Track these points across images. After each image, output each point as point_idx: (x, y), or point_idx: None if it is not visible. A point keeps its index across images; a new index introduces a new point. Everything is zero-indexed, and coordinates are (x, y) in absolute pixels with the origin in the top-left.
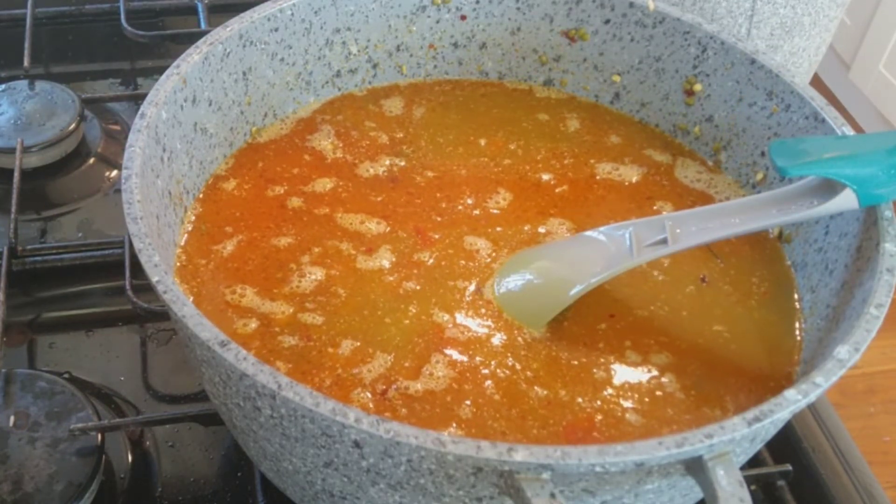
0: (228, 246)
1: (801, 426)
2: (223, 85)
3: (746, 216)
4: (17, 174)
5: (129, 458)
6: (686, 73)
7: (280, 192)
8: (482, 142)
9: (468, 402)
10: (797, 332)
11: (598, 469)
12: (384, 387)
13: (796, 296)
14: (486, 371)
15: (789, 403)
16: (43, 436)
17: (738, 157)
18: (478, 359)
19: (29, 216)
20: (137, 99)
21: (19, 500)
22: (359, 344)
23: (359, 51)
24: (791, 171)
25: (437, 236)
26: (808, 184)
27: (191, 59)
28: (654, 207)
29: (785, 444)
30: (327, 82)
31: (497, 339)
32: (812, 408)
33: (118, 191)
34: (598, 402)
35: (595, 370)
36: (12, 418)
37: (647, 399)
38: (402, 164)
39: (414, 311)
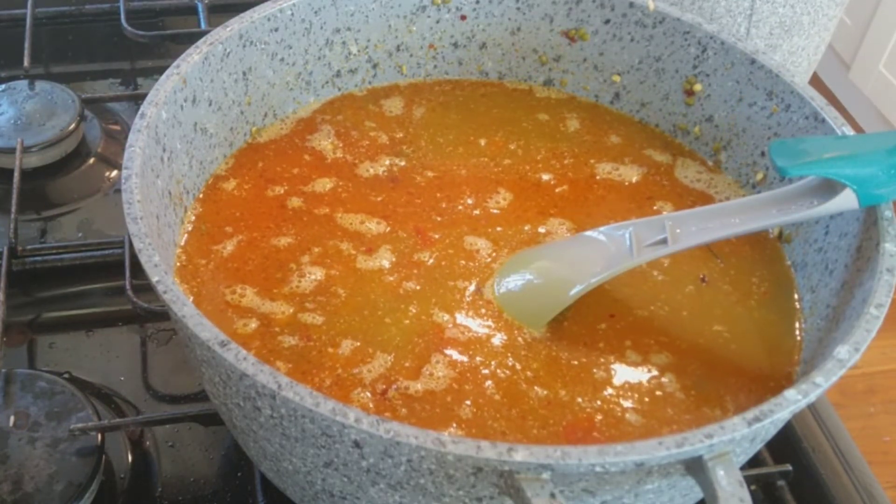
0: (228, 246)
1: (801, 426)
2: (223, 85)
3: (746, 216)
4: (17, 174)
5: (129, 458)
6: (686, 73)
7: (280, 192)
8: (482, 142)
9: (468, 403)
10: (797, 332)
11: (598, 469)
12: (384, 387)
13: (796, 296)
14: (486, 371)
15: (789, 403)
16: (43, 436)
17: (738, 157)
18: (478, 359)
19: (29, 216)
20: (137, 99)
21: (19, 500)
22: (359, 344)
23: (359, 51)
24: (791, 171)
25: (437, 236)
26: (808, 184)
27: (191, 59)
28: (654, 207)
29: (785, 444)
30: (327, 82)
31: (497, 339)
32: (812, 408)
33: (118, 191)
34: (598, 402)
35: (595, 370)
36: (12, 418)
37: (647, 399)
38: (402, 164)
39: (414, 311)
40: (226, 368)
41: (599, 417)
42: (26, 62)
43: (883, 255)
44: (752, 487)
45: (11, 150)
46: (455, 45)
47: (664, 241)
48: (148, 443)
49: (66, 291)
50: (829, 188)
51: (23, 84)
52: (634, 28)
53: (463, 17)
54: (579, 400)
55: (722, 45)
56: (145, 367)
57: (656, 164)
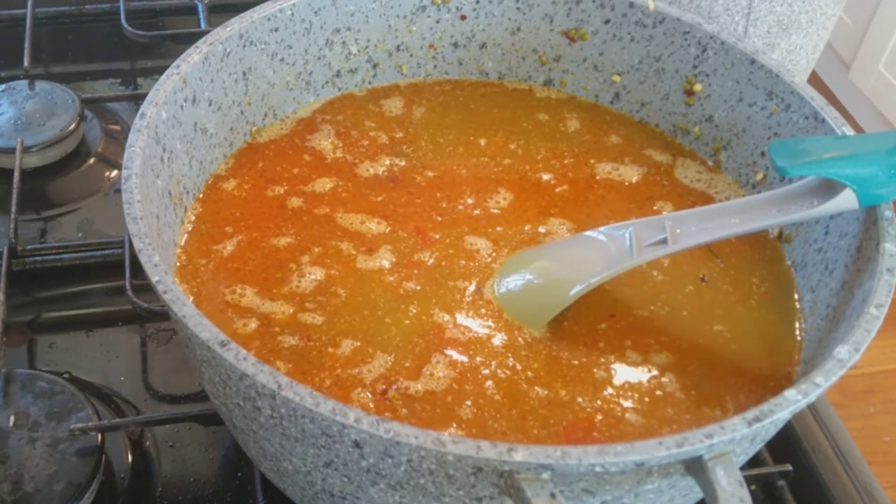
0: (228, 246)
1: (801, 426)
2: (223, 85)
3: (746, 216)
4: (17, 174)
5: (129, 458)
6: (686, 73)
7: (280, 192)
8: (482, 142)
9: (468, 403)
10: (797, 332)
11: (598, 469)
12: (384, 387)
13: (796, 296)
14: (486, 371)
15: (789, 403)
16: (43, 436)
17: (738, 157)
18: (478, 359)
19: (29, 216)
20: (137, 99)
21: (19, 500)
22: (359, 344)
23: (359, 51)
24: (791, 171)
25: (437, 236)
26: (808, 184)
27: (191, 59)
28: (654, 207)
29: (785, 444)
30: (327, 82)
31: (497, 340)
32: (812, 408)
33: (118, 191)
34: (599, 402)
35: (595, 370)
36: (12, 418)
37: (647, 399)
38: (403, 163)
39: (414, 311)
40: (226, 368)
41: (599, 417)
42: (26, 62)
43: (883, 255)
44: (752, 487)
45: (11, 150)
46: (455, 45)
47: (664, 241)
48: (148, 443)
49: (66, 291)
50: (829, 188)
51: (23, 84)
52: (634, 28)
53: (463, 17)
54: (579, 400)
55: (722, 45)
56: (145, 367)
57: (656, 164)
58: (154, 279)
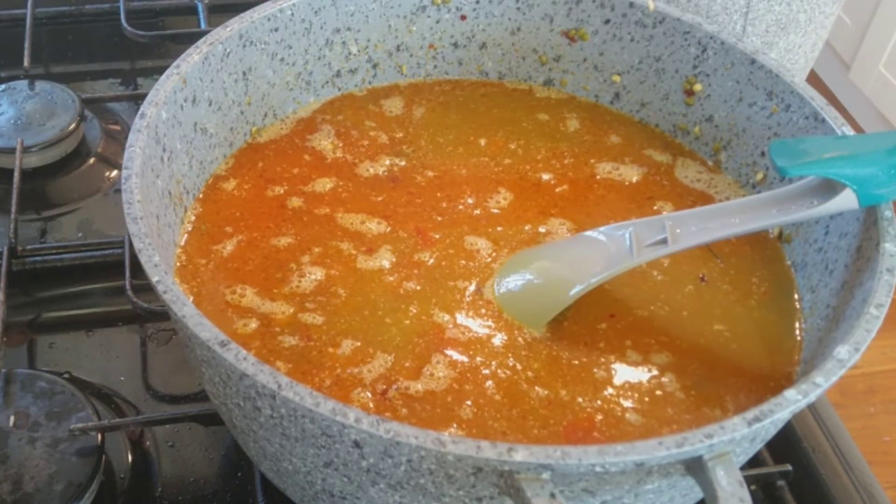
0: (228, 246)
1: (801, 426)
2: (223, 85)
3: (746, 216)
4: (17, 174)
5: (129, 458)
6: (686, 73)
7: (280, 192)
8: (482, 142)
9: (469, 403)
10: (797, 332)
11: (598, 469)
12: (384, 387)
13: (796, 296)
14: (486, 371)
15: (789, 403)
16: (43, 436)
17: (738, 157)
18: (478, 359)
19: (29, 216)
20: (137, 99)
21: (19, 500)
22: (359, 344)
23: (359, 51)
24: (791, 171)
25: (437, 236)
26: (808, 184)
27: (191, 59)
28: (654, 207)
29: (785, 444)
30: (327, 82)
31: (497, 340)
32: (812, 408)
33: (118, 191)
34: (599, 402)
35: (595, 370)
36: (12, 418)
37: (647, 399)
38: (403, 163)
39: (414, 311)
40: (226, 368)
41: (600, 417)
42: (26, 62)
43: (883, 255)
44: (752, 487)
45: (11, 150)
46: (455, 45)
47: (664, 241)
48: (148, 443)
49: (66, 291)
50: (829, 188)
51: (23, 84)
52: (634, 28)
53: (463, 17)
54: (580, 400)
55: (722, 45)
56: (145, 367)
57: (656, 164)
58: (154, 279)
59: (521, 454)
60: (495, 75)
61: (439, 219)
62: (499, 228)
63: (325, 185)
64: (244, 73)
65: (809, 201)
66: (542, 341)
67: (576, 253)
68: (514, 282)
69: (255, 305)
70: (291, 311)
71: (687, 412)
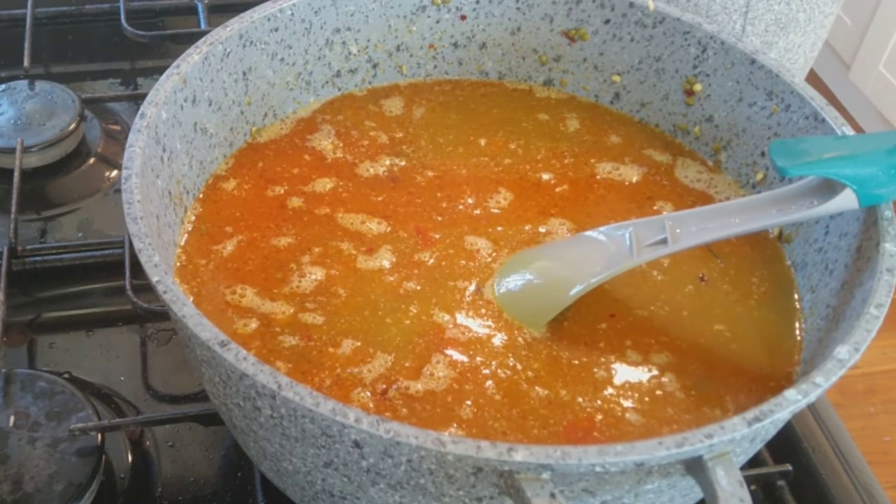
0: (228, 246)
1: (801, 426)
2: (223, 85)
3: (746, 216)
4: (17, 174)
5: (129, 458)
6: (686, 73)
7: (280, 192)
8: (482, 142)
9: (469, 403)
10: (797, 332)
11: (598, 469)
12: (384, 387)
13: (796, 296)
14: (486, 371)
15: (789, 403)
16: (43, 436)
17: (738, 157)
18: (478, 359)
19: (29, 216)
20: (137, 99)
21: (19, 500)
22: (359, 344)
23: (359, 51)
24: (791, 171)
25: (437, 236)
26: (808, 184)
27: (191, 59)
28: (654, 207)
29: (785, 444)
30: (327, 82)
31: (497, 340)
32: (812, 408)
33: (118, 191)
34: (599, 402)
35: (595, 370)
36: (12, 418)
37: (647, 399)
38: (403, 163)
39: (414, 311)
40: (226, 368)
41: (600, 417)
42: (26, 62)
43: (883, 255)
44: (752, 487)
45: (11, 150)
46: (455, 45)
47: (664, 241)
48: (148, 443)
49: (66, 291)
50: (829, 188)
51: (23, 84)
52: (634, 28)
53: (463, 17)
54: (580, 400)
55: (722, 45)
56: (145, 367)
57: (656, 164)
58: (154, 279)
59: (521, 454)
60: (495, 75)
61: (439, 219)
62: (499, 228)
63: (325, 185)
64: (244, 73)
65: (809, 201)
66: (542, 341)
67: (576, 253)
68: (514, 282)
69: (255, 305)
70: (291, 311)
71: (687, 412)
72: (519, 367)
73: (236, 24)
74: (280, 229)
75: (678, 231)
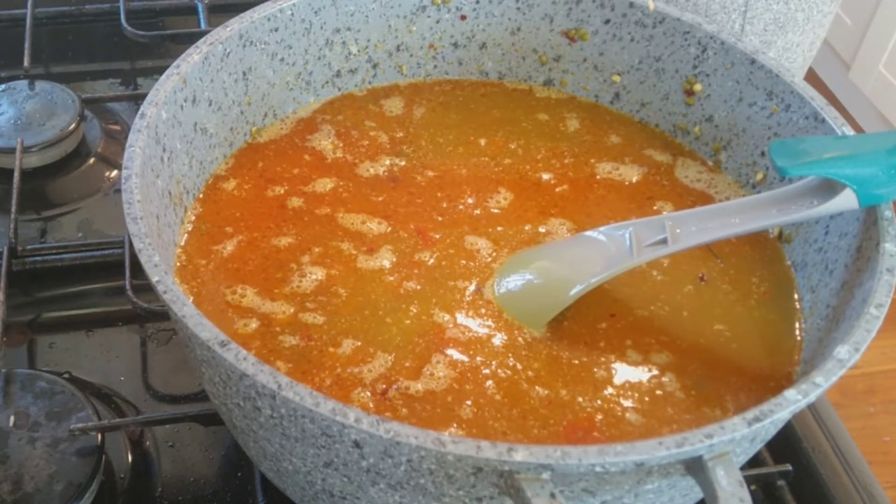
0: (228, 246)
1: (801, 426)
2: (223, 85)
3: (746, 216)
4: (17, 174)
5: (129, 458)
6: (686, 73)
7: (280, 192)
8: (482, 142)
9: (469, 403)
10: (797, 332)
11: (598, 469)
12: (384, 387)
13: (796, 296)
14: (486, 371)
15: (789, 403)
16: (43, 436)
17: (738, 157)
18: (478, 359)
19: (29, 216)
20: (137, 99)
21: (19, 500)
22: (359, 344)
23: (359, 51)
24: (791, 171)
25: (437, 236)
26: (808, 184)
27: (191, 59)
28: (654, 207)
29: (785, 444)
30: (327, 82)
31: (498, 339)
32: (812, 408)
33: (118, 191)
34: (599, 402)
35: (596, 370)
36: (12, 418)
37: (647, 398)
38: (403, 163)
39: (415, 311)
40: (226, 368)
41: (600, 417)
42: (26, 62)
43: (883, 255)
44: (752, 487)
45: (11, 150)
46: (455, 45)
47: (664, 241)
48: (148, 443)
49: (66, 291)
50: (829, 188)
51: (23, 84)
52: (634, 28)
53: (463, 17)
54: (580, 399)
55: (722, 45)
56: (145, 367)
57: (656, 164)
58: (154, 279)
59: (521, 454)
60: (495, 75)
61: (439, 219)
62: (499, 228)
63: (325, 185)
64: (244, 73)
65: (809, 201)
66: (542, 341)
67: (576, 253)
68: (514, 282)
69: (255, 305)
70: (292, 310)
71: (687, 412)
72: (519, 366)
73: (236, 24)
74: (280, 229)
75: (678, 231)
